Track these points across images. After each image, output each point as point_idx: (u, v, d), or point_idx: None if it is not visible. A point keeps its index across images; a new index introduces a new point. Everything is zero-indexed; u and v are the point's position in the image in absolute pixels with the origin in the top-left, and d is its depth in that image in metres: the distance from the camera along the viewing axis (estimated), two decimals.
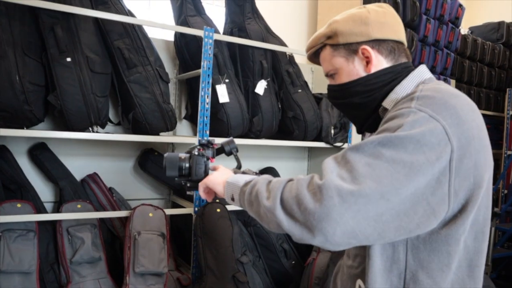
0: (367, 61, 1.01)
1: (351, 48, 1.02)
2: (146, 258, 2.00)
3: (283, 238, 2.74)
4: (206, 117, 2.25)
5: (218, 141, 1.31)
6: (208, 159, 1.18)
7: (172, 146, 2.67)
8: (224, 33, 2.67)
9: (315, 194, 0.81)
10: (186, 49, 2.47)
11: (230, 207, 2.36)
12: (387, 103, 1.00)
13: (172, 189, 2.63)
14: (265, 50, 2.58)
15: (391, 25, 1.02)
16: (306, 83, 2.81)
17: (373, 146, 0.82)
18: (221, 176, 1.10)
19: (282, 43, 2.70)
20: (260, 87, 2.56)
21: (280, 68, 2.71)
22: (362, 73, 1.02)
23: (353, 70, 1.02)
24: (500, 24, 4.22)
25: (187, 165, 1.16)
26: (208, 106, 2.25)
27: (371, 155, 0.82)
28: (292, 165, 3.23)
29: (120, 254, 2.19)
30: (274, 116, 2.58)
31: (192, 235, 2.27)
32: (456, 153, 0.83)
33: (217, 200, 2.34)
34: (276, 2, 3.43)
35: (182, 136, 2.60)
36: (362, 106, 1.03)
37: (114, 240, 2.30)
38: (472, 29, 4.38)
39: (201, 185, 1.14)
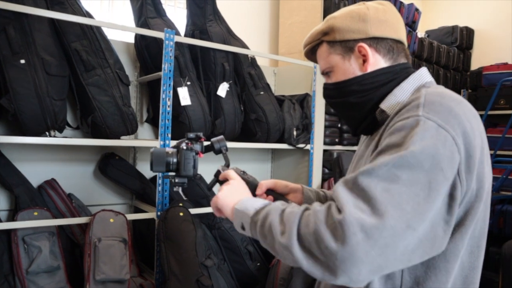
0: (364, 60, 0.97)
1: (348, 46, 0.98)
2: (107, 265, 1.95)
3: (248, 240, 2.72)
4: (168, 120, 2.21)
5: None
6: (197, 153, 1.14)
7: (134, 150, 2.62)
8: (185, 35, 2.64)
9: (336, 231, 0.73)
10: (147, 52, 2.43)
11: (193, 210, 2.33)
12: (387, 106, 0.95)
13: (134, 193, 2.57)
14: (227, 52, 2.57)
15: (391, 23, 0.98)
16: (268, 85, 2.81)
17: (388, 169, 0.76)
18: (230, 197, 0.99)
19: (244, 45, 2.70)
20: (222, 90, 2.55)
21: (242, 70, 2.70)
22: (358, 72, 0.98)
23: (349, 68, 0.98)
24: (454, 28, 4.38)
25: (175, 160, 1.12)
26: (169, 109, 2.22)
27: (386, 179, 0.75)
28: (255, 167, 3.22)
29: (80, 262, 2.12)
30: (236, 119, 2.57)
31: (155, 240, 2.22)
32: (463, 164, 0.80)
33: (180, 204, 2.30)
34: (238, 4, 3.42)
35: (144, 139, 2.56)
36: (358, 106, 0.99)
37: (74, 248, 2.23)
38: (429, 33, 4.52)
39: (213, 204, 1.04)
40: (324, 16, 3.23)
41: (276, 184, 1.16)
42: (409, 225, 0.72)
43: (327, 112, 3.17)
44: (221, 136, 1.21)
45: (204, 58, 2.56)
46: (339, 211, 0.75)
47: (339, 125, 3.31)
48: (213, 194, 2.77)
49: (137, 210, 2.53)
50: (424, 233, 0.75)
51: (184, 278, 2.06)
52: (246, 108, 2.68)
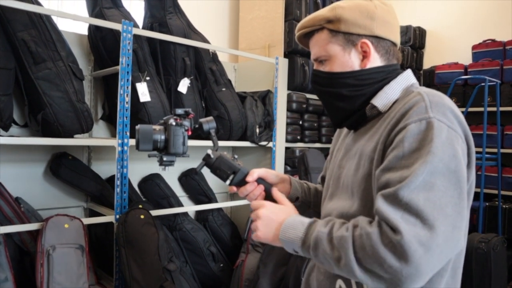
0: (364, 56, 0.99)
1: (351, 39, 0.99)
2: (62, 275, 1.79)
3: (210, 241, 2.69)
4: (126, 117, 2.12)
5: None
6: (186, 130, 1.10)
7: (88, 149, 2.50)
8: (143, 28, 2.55)
9: (396, 250, 0.78)
10: (102, 44, 2.30)
11: (154, 212, 2.25)
12: (379, 103, 0.98)
13: (89, 195, 2.45)
14: (188, 46, 2.51)
15: (392, 25, 1.01)
16: (230, 81, 2.77)
17: (423, 179, 0.80)
18: (270, 230, 0.97)
19: (205, 40, 2.65)
20: (183, 86, 2.49)
21: (203, 65, 2.64)
22: (357, 67, 0.99)
23: (348, 61, 0.99)
24: (408, 27, 4.49)
25: (163, 137, 1.07)
26: (128, 106, 2.13)
27: (424, 188, 0.80)
28: None
29: (32, 272, 1.95)
30: (198, 116, 2.51)
31: (114, 245, 2.11)
32: (466, 161, 0.88)
33: (140, 206, 2.22)
34: None
35: (99, 138, 2.46)
36: (349, 99, 1.01)
37: (23, 256, 2.05)
38: None
39: (256, 238, 1.00)
40: (286, 12, 3.21)
41: (267, 173, 1.15)
42: (455, 226, 0.79)
43: (288, 109, 3.17)
44: (211, 117, 1.18)
45: (164, 53, 2.48)
46: (394, 230, 0.79)
47: (300, 122, 3.32)
48: (173, 194, 2.68)
49: (93, 213, 2.42)
50: (464, 229, 0.85)
51: (147, 284, 1.96)
52: (208, 105, 2.64)
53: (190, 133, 1.12)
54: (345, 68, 0.99)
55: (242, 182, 1.11)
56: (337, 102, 1.03)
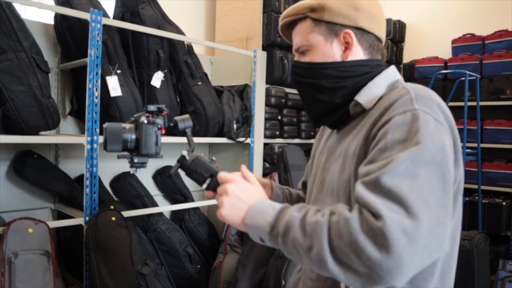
0: (346, 47, 0.98)
1: (334, 29, 0.98)
2: (26, 283, 1.70)
3: (187, 241, 2.65)
4: (96, 113, 2.06)
5: None
6: (159, 128, 1.04)
7: (55, 147, 2.42)
8: (114, 18, 2.46)
9: (376, 239, 0.71)
10: (70, 35, 2.21)
11: (126, 213, 2.19)
12: (363, 100, 0.96)
13: (57, 196, 2.37)
14: (161, 38, 2.46)
15: (378, 19, 1.00)
16: (206, 75, 2.73)
17: (406, 166, 0.76)
18: (236, 211, 0.90)
19: (180, 31, 2.59)
20: (157, 79, 2.44)
21: (178, 58, 2.60)
22: (338, 58, 0.98)
23: (330, 51, 0.98)
24: (388, 21, 4.49)
25: (134, 136, 1.01)
26: (97, 101, 2.07)
27: (407, 176, 0.75)
28: None
29: None
30: (172, 111, 2.46)
31: (84, 249, 2.04)
32: (452, 157, 0.84)
33: (112, 207, 2.16)
34: None
35: (67, 135, 2.37)
36: (329, 91, 0.99)
37: None
38: None
39: (220, 218, 0.94)
40: (265, 3, 3.19)
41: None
42: (438, 220, 0.74)
43: (267, 104, 3.14)
44: (187, 115, 1.12)
45: (136, 44, 2.42)
46: (375, 216, 0.73)
47: (279, 117, 3.30)
48: (147, 193, 2.65)
49: (61, 215, 2.34)
50: (452, 229, 0.80)
51: None
52: (183, 100, 2.60)
53: (163, 132, 1.07)
54: (326, 59, 0.98)
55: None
56: (316, 94, 1.01)
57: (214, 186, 1.02)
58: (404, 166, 0.76)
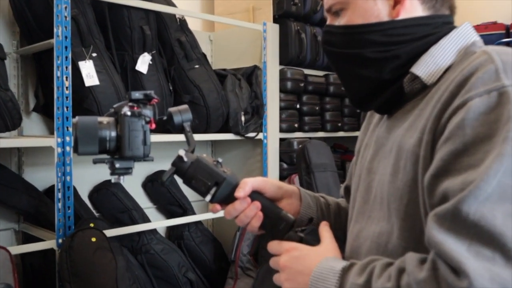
0: (396, 1, 0.90)
1: None
2: None
3: (187, 265, 2.67)
4: (67, 107, 2.05)
5: None
6: (147, 122, 0.97)
7: (18, 152, 2.42)
8: None
9: None
10: (29, 10, 2.19)
11: (110, 232, 2.19)
12: (422, 71, 0.87)
13: (21, 214, 2.36)
14: (147, 12, 2.46)
15: None
16: (204, 56, 2.75)
17: (498, 181, 0.67)
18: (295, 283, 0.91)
19: (170, 3, 2.61)
20: (143, 63, 2.44)
21: (169, 36, 2.61)
22: (385, 17, 0.90)
23: (373, 9, 0.91)
24: None
25: (114, 133, 0.96)
26: (68, 92, 2.06)
27: (501, 197, 0.66)
28: None
29: None
30: (164, 102, 2.47)
31: (57, 280, 2.02)
32: None
33: (91, 225, 2.16)
34: None
35: (32, 136, 2.40)
36: (376, 63, 0.91)
37: None
38: None
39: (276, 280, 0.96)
40: None
41: (265, 184, 1.05)
42: None
43: (282, 90, 3.09)
44: (185, 106, 1.06)
45: (115, 20, 2.41)
46: (457, 272, 0.66)
47: (297, 106, 3.26)
48: (136, 206, 2.66)
49: (28, 238, 2.35)
50: None
51: None
52: (177, 88, 2.61)
53: (153, 126, 1.00)
54: (368, 19, 0.91)
55: (229, 198, 1.00)
56: (357, 68, 0.94)
57: (222, 197, 1.00)
58: (495, 183, 0.67)
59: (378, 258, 0.82)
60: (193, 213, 2.81)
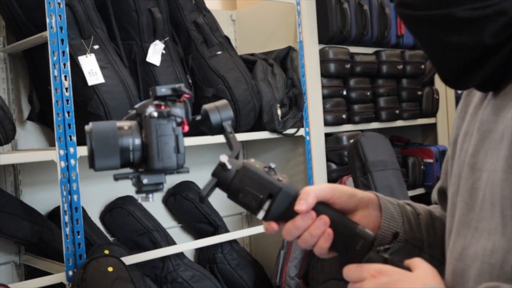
0: None
1: None
2: None
3: None
4: (68, 113, 2.08)
5: None
6: (179, 124, 0.94)
7: (13, 170, 2.45)
8: None
9: None
10: (16, 1, 2.23)
11: (130, 259, 2.21)
12: None
13: (22, 243, 2.39)
14: None
15: None
16: (227, 39, 2.77)
17: None
18: None
19: None
20: (155, 53, 2.46)
21: (184, 18, 2.64)
22: None
23: None
24: None
25: (138, 141, 0.93)
26: (69, 94, 2.08)
27: None
28: None
29: None
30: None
31: None
32: None
33: (106, 251, 2.21)
34: None
35: (29, 150, 2.42)
36: (471, 25, 0.86)
37: None
38: None
39: None
40: None
41: (335, 193, 1.01)
42: None
43: (324, 74, 3.06)
44: (224, 101, 1.03)
45: (119, 4, 2.45)
46: None
47: (344, 93, 3.24)
48: (158, 226, 2.67)
49: (31, 272, 2.36)
50: None
51: None
52: (197, 80, 2.63)
53: (186, 128, 0.97)
54: None
55: (288, 213, 0.96)
56: (448, 36, 0.89)
57: (278, 214, 0.95)
58: None
59: (498, 286, 0.79)
60: (226, 230, 2.81)
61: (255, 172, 0.96)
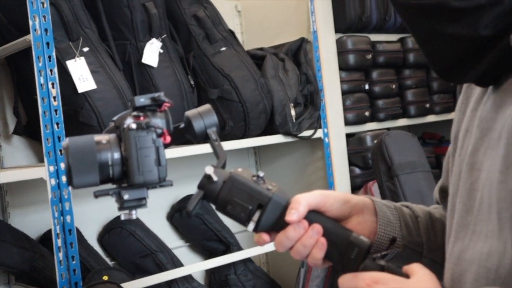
0: None
1: None
2: None
3: None
4: (57, 124, 2.11)
5: None
6: (159, 135, 0.97)
7: (0, 190, 2.49)
8: None
9: None
10: None
11: (132, 284, 2.24)
12: None
13: (12, 273, 2.42)
14: None
15: None
16: (232, 33, 2.82)
17: None
18: None
19: None
20: (151, 53, 2.49)
21: (182, 12, 2.68)
22: None
23: None
24: None
25: (117, 155, 0.95)
26: (57, 104, 2.11)
27: None
28: None
29: None
30: (185, 102, 2.51)
31: None
32: None
33: (105, 277, 2.22)
34: None
35: (16, 167, 2.46)
36: (466, 15, 0.89)
37: None
38: None
39: None
40: None
41: (327, 199, 1.04)
42: None
43: (342, 67, 3.08)
44: (207, 106, 1.06)
45: (109, 1, 2.49)
46: None
47: (366, 87, 3.24)
48: (162, 246, 2.69)
49: None
50: None
51: None
52: (200, 81, 2.66)
53: (168, 139, 1.00)
54: None
55: (279, 224, 0.99)
56: (442, 26, 0.92)
57: (269, 225, 0.98)
58: None
59: None
60: (239, 248, 2.83)
61: (242, 182, 0.98)
